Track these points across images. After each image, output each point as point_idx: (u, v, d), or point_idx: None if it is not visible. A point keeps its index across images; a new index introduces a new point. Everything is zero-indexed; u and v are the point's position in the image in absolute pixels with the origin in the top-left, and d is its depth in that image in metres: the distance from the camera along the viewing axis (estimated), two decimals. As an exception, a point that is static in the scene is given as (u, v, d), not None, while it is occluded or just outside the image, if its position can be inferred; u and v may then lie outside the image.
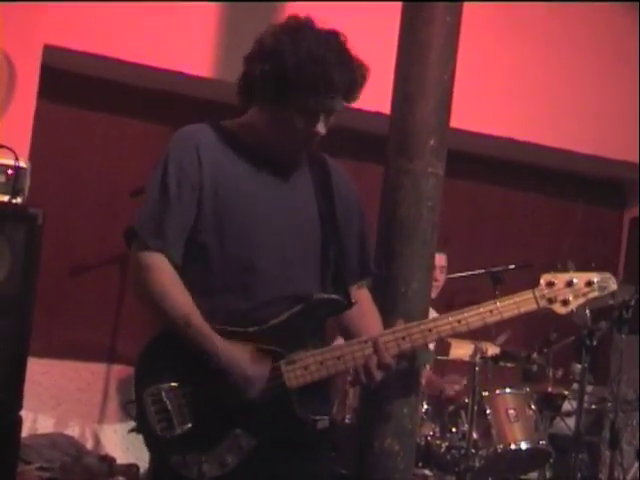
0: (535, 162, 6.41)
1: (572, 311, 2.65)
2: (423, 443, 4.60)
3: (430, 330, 2.59)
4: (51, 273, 5.05)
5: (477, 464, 4.54)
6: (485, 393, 4.68)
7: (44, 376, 5.22)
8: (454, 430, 4.72)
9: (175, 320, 2.50)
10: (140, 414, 2.53)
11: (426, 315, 3.96)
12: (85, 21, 4.92)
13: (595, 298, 2.67)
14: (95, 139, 5.59)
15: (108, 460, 5.17)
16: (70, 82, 5.38)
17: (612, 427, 4.76)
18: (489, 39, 5.65)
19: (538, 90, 5.84)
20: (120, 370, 5.50)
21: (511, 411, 4.65)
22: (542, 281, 2.63)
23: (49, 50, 4.90)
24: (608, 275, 2.67)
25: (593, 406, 5.18)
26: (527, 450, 4.63)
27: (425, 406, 4.66)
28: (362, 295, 2.79)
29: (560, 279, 2.63)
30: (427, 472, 4.61)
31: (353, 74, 2.58)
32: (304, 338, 2.57)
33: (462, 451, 4.58)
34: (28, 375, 3.84)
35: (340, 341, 2.72)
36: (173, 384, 2.52)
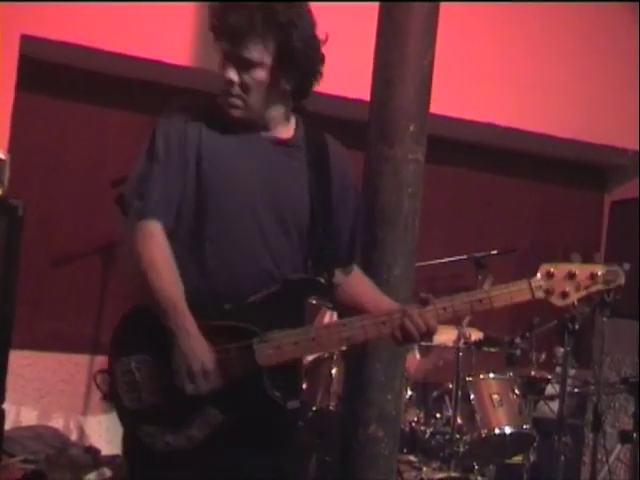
0: (515, 147, 6.41)
1: (573, 304, 2.59)
2: (407, 429, 4.61)
3: None
4: (33, 264, 5.03)
5: (462, 449, 4.55)
6: (469, 378, 4.69)
7: (27, 368, 5.20)
8: (438, 416, 4.73)
9: (161, 293, 2.49)
10: (111, 384, 2.57)
11: (408, 302, 3.96)
12: (63, 11, 4.88)
13: (599, 291, 2.59)
14: (75, 129, 5.56)
15: (93, 451, 5.16)
16: (49, 72, 5.34)
17: (595, 410, 4.78)
18: (469, 23, 5.64)
19: (518, 75, 5.84)
20: (104, 361, 5.42)
21: (495, 396, 4.66)
22: (540, 271, 2.56)
23: (27, 40, 4.86)
24: (615, 268, 2.58)
25: (576, 389, 5.20)
26: (511, 434, 4.64)
27: (409, 392, 4.67)
28: (356, 277, 2.79)
29: (560, 270, 2.56)
30: (412, 458, 4.62)
31: (243, 13, 2.52)
32: (281, 317, 2.55)
33: (446, 436, 4.60)
34: (11, 367, 3.82)
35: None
36: (144, 357, 2.54)
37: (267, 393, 2.51)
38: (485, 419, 4.64)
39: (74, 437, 5.39)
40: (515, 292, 2.58)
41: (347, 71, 5.13)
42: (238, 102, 2.59)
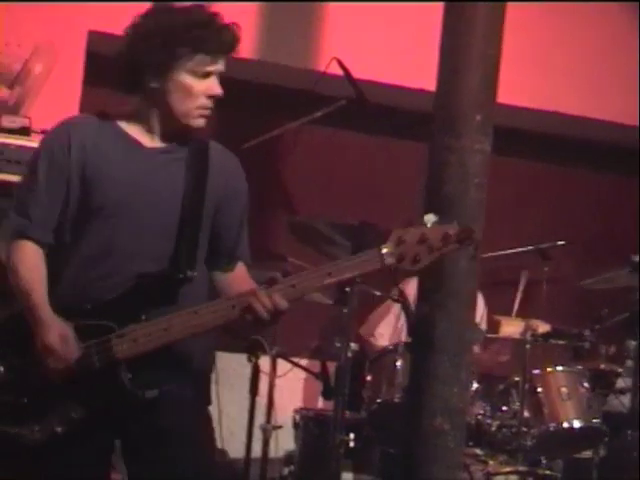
0: (581, 135, 6.29)
1: (424, 267, 2.53)
2: (473, 422, 4.56)
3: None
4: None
5: (529, 443, 4.49)
6: (536, 371, 4.63)
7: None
8: (505, 409, 4.68)
9: (20, 296, 2.68)
10: None
11: (474, 293, 3.92)
12: (127, 6, 4.91)
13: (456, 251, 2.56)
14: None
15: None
16: (115, 67, 5.36)
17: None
18: (534, 11, 5.56)
19: (583, 62, 5.74)
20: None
21: (563, 389, 4.59)
22: (391, 238, 2.53)
23: (93, 36, 4.91)
24: (468, 227, 2.56)
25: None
26: (580, 429, 4.58)
27: (475, 385, 4.62)
28: (236, 273, 2.86)
29: (411, 235, 2.51)
30: (478, 451, 4.58)
31: (233, 33, 2.77)
32: (140, 312, 2.66)
33: (513, 430, 4.54)
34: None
35: None
36: (14, 358, 2.68)
37: (124, 385, 2.63)
38: (553, 413, 4.57)
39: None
40: (364, 262, 2.55)
41: (410, 61, 5.09)
42: (209, 113, 2.77)
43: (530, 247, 5.32)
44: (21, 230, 2.72)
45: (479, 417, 4.62)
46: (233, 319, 2.64)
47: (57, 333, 2.61)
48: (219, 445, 5.03)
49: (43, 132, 3.90)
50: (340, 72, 4.60)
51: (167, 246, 2.72)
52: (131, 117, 2.78)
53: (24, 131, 3.89)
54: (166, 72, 2.68)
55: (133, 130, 2.76)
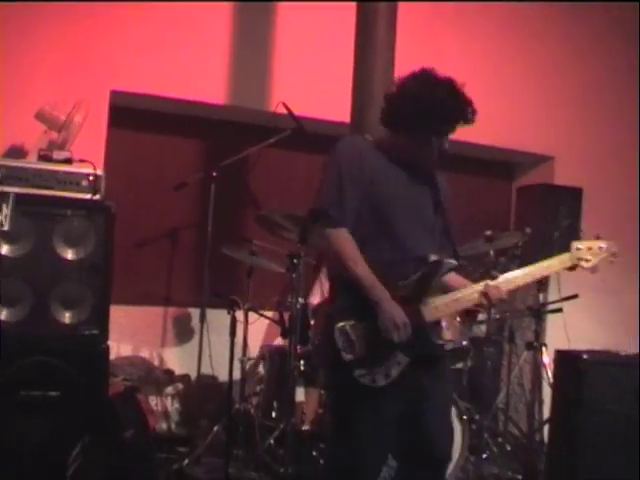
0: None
1: (595, 266, 2.73)
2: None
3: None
4: (122, 246, 4.98)
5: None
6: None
7: (123, 318, 5.15)
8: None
9: (362, 278, 2.56)
10: (330, 343, 2.57)
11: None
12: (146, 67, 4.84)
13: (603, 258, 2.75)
14: (146, 153, 5.51)
15: (169, 373, 5.18)
16: (132, 115, 5.27)
17: (510, 329, 4.76)
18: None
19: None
20: (173, 311, 5.48)
21: (443, 322, 4.64)
22: (572, 246, 2.73)
23: (114, 94, 4.83)
24: (612, 243, 2.76)
25: (497, 316, 5.18)
26: (454, 349, 4.65)
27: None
28: None
29: (584, 245, 2.74)
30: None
31: (472, 106, 2.69)
32: (429, 289, 2.65)
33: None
34: (112, 317, 3.83)
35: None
36: (353, 322, 2.58)
37: (431, 339, 2.65)
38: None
39: (156, 363, 5.39)
40: (559, 261, 2.74)
41: (329, 100, 5.04)
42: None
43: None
44: (339, 221, 2.60)
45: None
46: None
47: (403, 317, 2.54)
48: (211, 372, 5.02)
49: (81, 161, 3.89)
50: (285, 111, 4.60)
51: (428, 239, 2.71)
52: (388, 145, 2.74)
53: (68, 161, 3.90)
54: (417, 129, 2.65)
55: (394, 155, 2.71)
